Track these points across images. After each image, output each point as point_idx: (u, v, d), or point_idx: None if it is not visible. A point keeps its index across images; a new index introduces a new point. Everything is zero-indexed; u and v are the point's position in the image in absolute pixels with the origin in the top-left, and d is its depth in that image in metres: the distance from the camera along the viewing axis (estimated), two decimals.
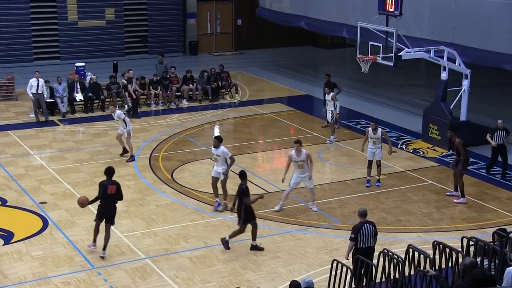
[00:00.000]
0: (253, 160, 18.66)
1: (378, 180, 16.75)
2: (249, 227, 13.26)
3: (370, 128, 16.56)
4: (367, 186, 16.61)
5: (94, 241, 13.20)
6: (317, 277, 12.12)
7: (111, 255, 13.14)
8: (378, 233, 14.08)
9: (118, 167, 17.71)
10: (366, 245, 11.33)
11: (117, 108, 19.68)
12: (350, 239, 11.40)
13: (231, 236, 13.33)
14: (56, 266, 12.75)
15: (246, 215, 13.14)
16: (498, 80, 25.85)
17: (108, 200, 12.84)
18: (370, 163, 16.60)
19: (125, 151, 18.51)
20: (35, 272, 12.53)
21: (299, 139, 15.39)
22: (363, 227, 11.31)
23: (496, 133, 17.13)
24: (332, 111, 19.71)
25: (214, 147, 15.12)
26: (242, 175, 13.40)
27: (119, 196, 12.96)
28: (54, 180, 16.91)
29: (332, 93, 19.88)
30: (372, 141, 16.49)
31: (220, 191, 15.15)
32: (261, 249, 13.29)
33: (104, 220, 12.97)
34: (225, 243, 13.35)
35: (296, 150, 14.91)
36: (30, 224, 14.56)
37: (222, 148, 14.99)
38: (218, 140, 15.08)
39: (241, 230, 13.27)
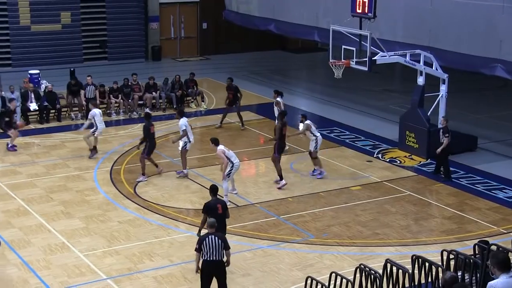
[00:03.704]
0: (221, 172, 18.62)
1: (313, 170, 18.23)
2: None
3: None
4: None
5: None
6: None
7: (70, 276, 13.02)
8: (355, 247, 14.27)
9: (77, 181, 17.68)
10: (211, 258, 11.36)
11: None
12: (195, 249, 11.57)
13: None
14: None
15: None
16: (478, 85, 26.23)
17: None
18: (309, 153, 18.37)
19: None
20: None
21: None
22: (206, 239, 11.37)
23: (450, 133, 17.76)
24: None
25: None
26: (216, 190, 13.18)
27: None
28: (6, 197, 16.70)
29: (277, 99, 20.06)
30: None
31: None
32: None
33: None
34: None
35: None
36: None
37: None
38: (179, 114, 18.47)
39: None
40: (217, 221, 12.38)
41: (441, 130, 17.92)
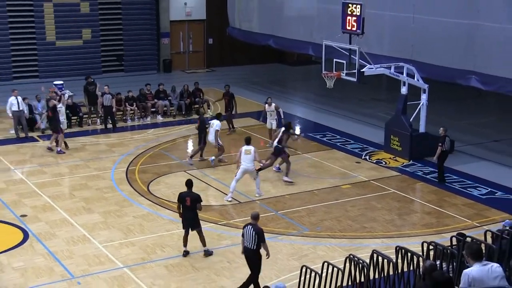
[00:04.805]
0: (226, 172, 18.67)
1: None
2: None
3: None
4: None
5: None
6: (287, 282, 12.14)
7: (90, 264, 13.06)
8: (345, 239, 14.29)
9: (96, 180, 17.72)
10: (246, 245, 11.65)
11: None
12: (242, 234, 11.85)
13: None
14: (37, 276, 12.61)
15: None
16: (455, 94, 26.24)
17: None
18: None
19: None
20: (16, 283, 12.38)
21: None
22: (245, 228, 11.66)
23: (445, 141, 17.48)
24: (276, 119, 20.53)
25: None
26: (190, 184, 13.41)
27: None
28: (34, 194, 16.74)
29: (273, 104, 20.61)
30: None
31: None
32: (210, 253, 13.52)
33: None
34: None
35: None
36: (11, 236, 14.39)
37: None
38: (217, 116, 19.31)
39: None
40: (186, 212, 13.11)
41: (439, 139, 17.59)
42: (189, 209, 13.16)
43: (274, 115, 20.48)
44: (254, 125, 23.22)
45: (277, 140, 17.75)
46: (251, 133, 22.18)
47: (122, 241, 14.17)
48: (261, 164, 17.06)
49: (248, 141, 16.61)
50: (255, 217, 11.77)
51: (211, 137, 18.72)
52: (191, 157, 19.05)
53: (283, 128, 18.18)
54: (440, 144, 17.41)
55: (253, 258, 11.72)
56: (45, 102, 22.43)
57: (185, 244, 13.44)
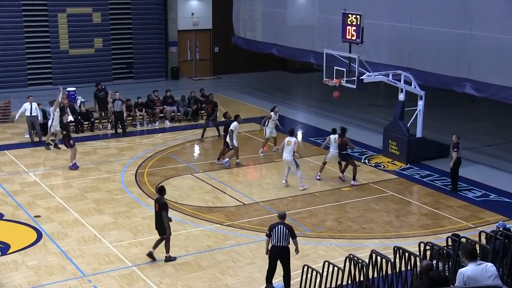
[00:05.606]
0: (231, 175, 18.66)
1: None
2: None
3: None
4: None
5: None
6: None
7: (101, 263, 13.03)
8: (345, 239, 14.24)
9: (107, 183, 17.69)
10: (278, 244, 11.44)
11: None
12: (266, 235, 11.65)
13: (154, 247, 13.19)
14: (50, 274, 12.59)
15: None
16: (450, 100, 26.20)
17: None
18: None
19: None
20: (30, 280, 12.37)
21: None
22: (276, 227, 11.43)
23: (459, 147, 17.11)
24: (276, 126, 20.33)
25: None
26: (161, 190, 13.16)
27: None
28: (47, 195, 16.74)
29: (278, 113, 20.51)
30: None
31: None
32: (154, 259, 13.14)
33: None
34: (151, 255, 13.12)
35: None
36: (25, 236, 14.39)
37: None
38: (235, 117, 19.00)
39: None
40: (155, 217, 12.94)
41: (452, 146, 17.16)
42: (157, 214, 12.98)
43: (275, 124, 20.10)
44: (257, 130, 23.13)
45: (336, 147, 17.58)
46: (255, 137, 22.17)
47: (131, 241, 14.14)
48: (299, 154, 17.25)
49: (291, 133, 17.32)
50: (283, 216, 11.64)
51: (228, 139, 18.82)
52: (237, 158, 19.16)
53: (333, 136, 17.72)
54: (455, 150, 16.86)
55: (288, 255, 11.58)
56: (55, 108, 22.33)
57: (154, 246, 13.11)
